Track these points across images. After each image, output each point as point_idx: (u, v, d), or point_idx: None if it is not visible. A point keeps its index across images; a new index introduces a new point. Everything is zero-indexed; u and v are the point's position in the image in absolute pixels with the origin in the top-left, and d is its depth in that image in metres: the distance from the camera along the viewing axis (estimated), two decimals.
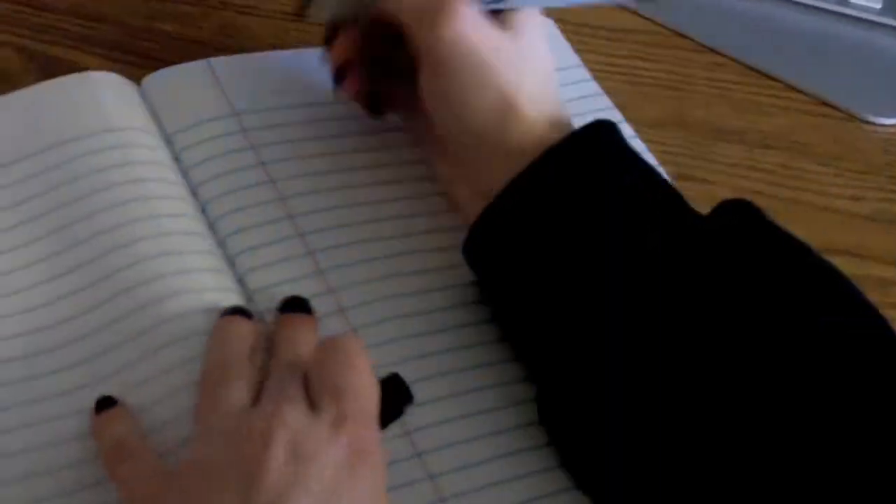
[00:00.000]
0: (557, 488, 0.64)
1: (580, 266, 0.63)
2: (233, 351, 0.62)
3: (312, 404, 0.57)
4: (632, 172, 0.66)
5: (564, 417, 0.64)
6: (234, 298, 0.67)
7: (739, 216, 0.65)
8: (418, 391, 0.64)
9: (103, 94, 0.73)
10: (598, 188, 0.64)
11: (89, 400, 0.62)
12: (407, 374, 0.64)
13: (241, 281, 0.68)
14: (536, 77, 0.68)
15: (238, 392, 0.59)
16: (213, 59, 0.77)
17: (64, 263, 0.67)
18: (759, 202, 0.77)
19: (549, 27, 0.85)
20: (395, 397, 0.62)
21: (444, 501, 0.63)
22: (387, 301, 0.69)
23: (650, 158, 0.79)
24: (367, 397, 0.59)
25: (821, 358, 0.59)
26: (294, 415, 0.56)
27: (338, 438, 0.56)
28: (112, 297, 0.65)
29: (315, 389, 0.58)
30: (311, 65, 0.77)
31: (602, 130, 0.66)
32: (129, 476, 0.59)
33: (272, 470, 0.54)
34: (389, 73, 0.72)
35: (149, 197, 0.69)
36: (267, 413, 0.56)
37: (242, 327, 0.63)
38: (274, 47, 0.81)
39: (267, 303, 0.67)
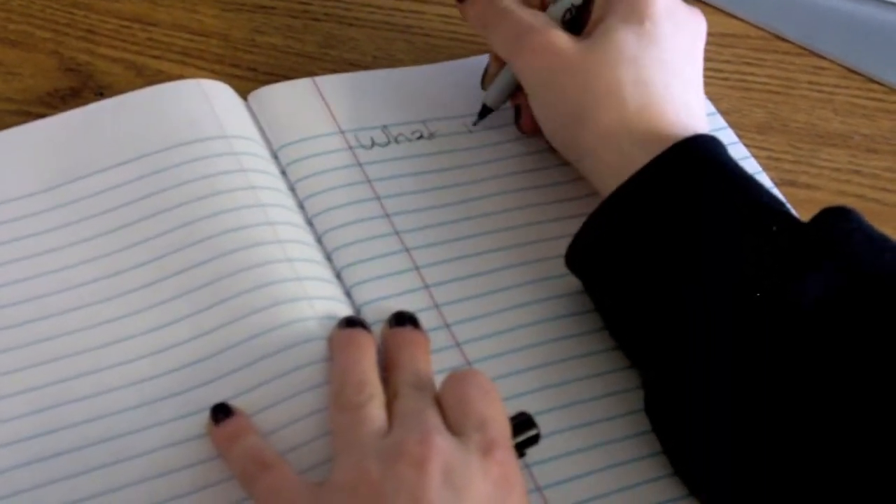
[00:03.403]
0: (668, 498, 0.65)
1: (677, 278, 0.64)
2: (364, 367, 0.62)
3: (453, 431, 0.58)
4: (726, 190, 0.65)
5: (673, 423, 0.64)
6: (345, 309, 0.67)
7: (840, 224, 0.64)
8: (526, 405, 0.64)
9: (215, 101, 0.74)
10: (692, 210, 0.64)
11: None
12: (514, 389, 0.66)
13: (348, 294, 0.69)
14: (613, 83, 0.68)
15: (377, 410, 0.60)
16: (318, 78, 0.78)
17: (177, 265, 0.68)
18: (864, 207, 0.77)
19: None
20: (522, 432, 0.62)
21: None
22: (492, 316, 0.69)
23: (753, 164, 0.79)
24: (507, 428, 0.59)
25: None
26: (443, 442, 0.56)
27: (488, 465, 0.56)
28: (226, 300, 0.66)
29: (455, 418, 0.59)
30: (413, 83, 0.79)
31: (694, 147, 0.66)
32: (273, 489, 0.59)
33: (433, 493, 0.54)
34: None
35: (264, 204, 0.70)
36: (416, 438, 0.56)
37: (367, 341, 0.64)
38: (377, 58, 0.82)
39: (374, 316, 0.67)
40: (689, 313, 0.63)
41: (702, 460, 0.63)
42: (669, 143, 0.66)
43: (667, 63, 0.70)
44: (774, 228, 0.63)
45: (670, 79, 0.70)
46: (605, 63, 0.69)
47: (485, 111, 0.77)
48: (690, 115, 0.69)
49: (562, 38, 0.70)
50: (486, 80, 0.78)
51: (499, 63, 0.76)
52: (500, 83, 0.76)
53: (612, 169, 0.67)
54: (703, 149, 0.66)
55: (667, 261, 0.64)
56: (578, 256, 0.68)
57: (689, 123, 0.68)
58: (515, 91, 0.75)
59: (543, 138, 0.74)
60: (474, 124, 0.77)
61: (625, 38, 0.69)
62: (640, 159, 0.66)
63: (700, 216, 0.64)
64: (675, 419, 0.64)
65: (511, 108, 0.77)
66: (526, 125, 0.76)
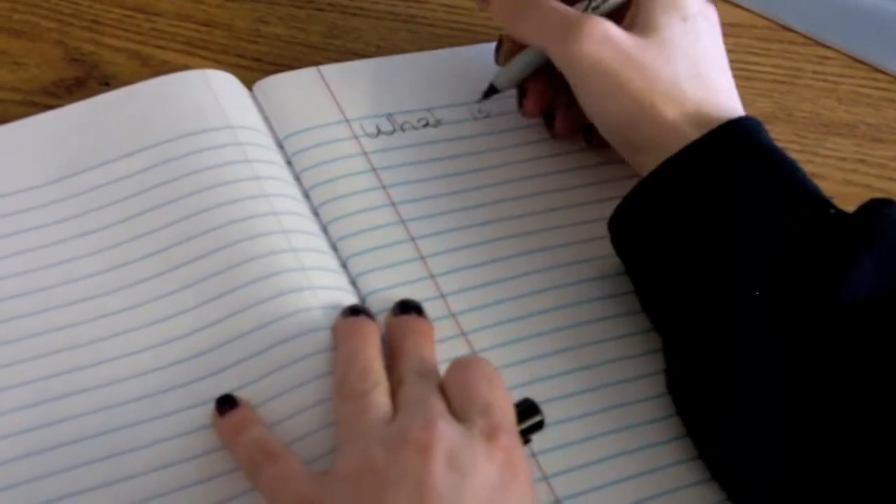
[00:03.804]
0: (691, 481, 0.65)
1: (711, 256, 0.64)
2: (368, 355, 0.62)
3: (457, 417, 0.58)
4: (768, 170, 0.66)
5: (700, 404, 0.65)
6: (350, 299, 0.67)
7: (886, 211, 0.65)
8: (531, 394, 0.64)
9: (221, 91, 0.74)
10: (731, 186, 0.65)
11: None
12: (518, 378, 0.66)
13: (353, 284, 0.69)
14: (672, 77, 0.68)
15: (382, 398, 0.60)
16: (322, 67, 0.78)
17: (182, 256, 0.67)
18: (870, 196, 0.77)
19: None
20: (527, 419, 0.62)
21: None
22: (498, 305, 0.69)
23: None
24: (511, 413, 0.59)
25: None
26: (448, 427, 0.56)
27: (493, 450, 0.56)
28: (231, 290, 0.66)
29: (460, 404, 0.59)
30: (418, 70, 0.79)
31: (740, 129, 0.67)
32: (279, 479, 0.59)
33: (438, 478, 0.54)
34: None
35: (269, 194, 0.70)
36: (420, 424, 0.56)
37: (371, 329, 0.64)
38: (380, 48, 0.82)
39: (379, 306, 0.67)
40: (724, 295, 0.64)
41: (727, 443, 0.63)
42: None
43: (710, 55, 0.71)
44: (809, 214, 0.64)
45: (714, 69, 0.70)
46: (664, 58, 0.69)
47: (491, 91, 0.75)
48: (736, 102, 0.71)
49: (618, 30, 0.69)
50: (500, 55, 0.76)
51: (514, 42, 0.75)
52: (517, 66, 0.74)
53: None
54: (744, 130, 0.67)
55: (705, 238, 0.65)
56: (622, 223, 0.69)
57: (737, 109, 0.70)
58: (529, 77, 0.74)
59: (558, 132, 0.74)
60: (477, 101, 0.76)
61: (674, 33, 0.69)
62: None
63: (737, 197, 0.65)
64: (704, 399, 0.64)
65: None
66: (562, 128, 0.76)
